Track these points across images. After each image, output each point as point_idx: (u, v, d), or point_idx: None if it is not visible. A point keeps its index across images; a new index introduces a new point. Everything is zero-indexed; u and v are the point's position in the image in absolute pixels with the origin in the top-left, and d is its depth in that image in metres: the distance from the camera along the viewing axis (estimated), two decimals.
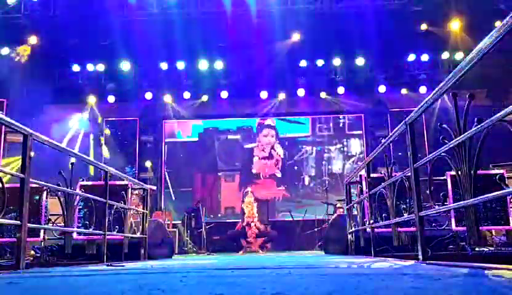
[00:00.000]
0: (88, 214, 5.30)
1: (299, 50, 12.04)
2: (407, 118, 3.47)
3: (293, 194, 13.15)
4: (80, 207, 5.34)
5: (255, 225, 10.31)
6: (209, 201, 13.05)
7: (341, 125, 13.50)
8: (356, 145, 13.42)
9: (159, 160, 13.35)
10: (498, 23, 2.14)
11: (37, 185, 4.36)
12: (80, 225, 5.32)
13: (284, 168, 13.29)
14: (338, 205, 10.29)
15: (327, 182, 13.09)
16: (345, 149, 13.39)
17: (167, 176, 13.31)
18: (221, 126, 13.59)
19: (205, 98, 12.96)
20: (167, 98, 12.95)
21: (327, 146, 13.41)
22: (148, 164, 12.92)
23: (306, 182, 13.28)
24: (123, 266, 3.94)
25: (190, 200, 12.97)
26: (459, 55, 11.56)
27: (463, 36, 11.15)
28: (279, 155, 13.16)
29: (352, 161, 13.31)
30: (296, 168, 13.34)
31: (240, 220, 10.79)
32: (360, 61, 12.29)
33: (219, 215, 13.02)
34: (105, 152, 12.79)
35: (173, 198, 13.17)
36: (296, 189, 13.22)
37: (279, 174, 13.09)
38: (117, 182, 5.71)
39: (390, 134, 4.24)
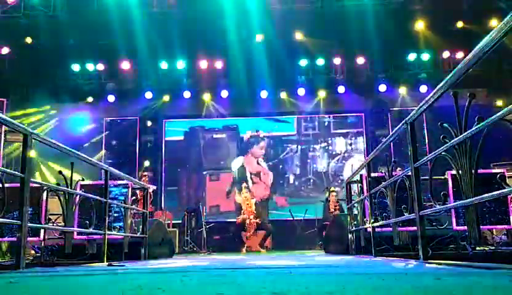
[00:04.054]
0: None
1: (299, 49, 12.03)
2: (407, 118, 3.47)
3: (278, 192, 13.24)
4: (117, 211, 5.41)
5: (253, 220, 10.27)
6: (194, 199, 13.05)
7: (326, 124, 13.53)
8: (340, 144, 13.49)
9: (159, 159, 13.35)
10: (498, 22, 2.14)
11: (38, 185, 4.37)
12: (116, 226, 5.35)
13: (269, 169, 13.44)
14: (332, 189, 10.44)
15: (311, 180, 13.24)
16: (330, 147, 13.48)
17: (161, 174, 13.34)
18: (207, 125, 13.57)
19: (206, 96, 12.96)
20: (167, 98, 12.96)
21: (312, 145, 13.50)
22: (147, 164, 12.91)
23: (291, 181, 13.39)
24: (123, 266, 3.94)
25: (176, 198, 13.11)
26: (459, 54, 11.55)
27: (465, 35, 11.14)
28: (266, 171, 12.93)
29: (336, 160, 13.42)
30: (281, 166, 13.47)
31: (237, 215, 10.73)
32: (360, 60, 12.28)
33: (204, 214, 12.98)
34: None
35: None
36: (281, 187, 13.32)
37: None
38: (118, 182, 5.71)
39: (390, 133, 4.23)
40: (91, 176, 7.80)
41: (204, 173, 13.31)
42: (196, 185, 13.28)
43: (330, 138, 13.45)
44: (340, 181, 12.95)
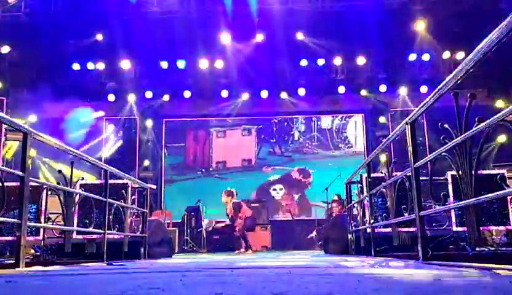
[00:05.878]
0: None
1: (300, 49, 12.02)
2: (407, 118, 3.46)
3: (283, 149, 13.54)
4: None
5: (236, 223, 10.14)
6: (201, 156, 13.47)
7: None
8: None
9: (159, 158, 13.35)
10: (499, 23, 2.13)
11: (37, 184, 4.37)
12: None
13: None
14: (335, 198, 10.40)
15: (316, 137, 13.52)
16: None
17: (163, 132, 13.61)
18: None
19: (205, 96, 12.96)
20: (167, 97, 12.96)
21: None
22: (147, 163, 12.91)
23: (296, 137, 13.66)
24: (123, 265, 3.93)
25: (183, 154, 13.55)
26: (460, 55, 11.54)
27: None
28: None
29: (341, 117, 13.60)
30: (286, 123, 13.73)
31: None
32: (361, 61, 12.27)
33: (210, 169, 13.48)
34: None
35: (166, 154, 13.52)
36: (286, 144, 13.57)
37: None
38: (117, 181, 5.70)
39: (391, 133, 4.23)
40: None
41: (211, 129, 13.56)
42: (203, 142, 13.60)
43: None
44: (343, 138, 13.34)
